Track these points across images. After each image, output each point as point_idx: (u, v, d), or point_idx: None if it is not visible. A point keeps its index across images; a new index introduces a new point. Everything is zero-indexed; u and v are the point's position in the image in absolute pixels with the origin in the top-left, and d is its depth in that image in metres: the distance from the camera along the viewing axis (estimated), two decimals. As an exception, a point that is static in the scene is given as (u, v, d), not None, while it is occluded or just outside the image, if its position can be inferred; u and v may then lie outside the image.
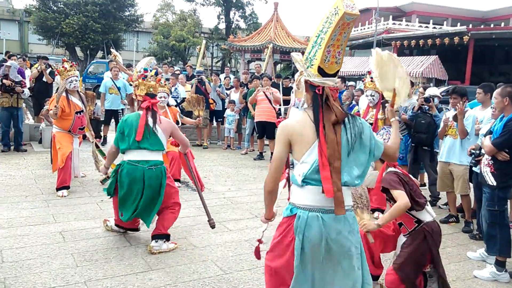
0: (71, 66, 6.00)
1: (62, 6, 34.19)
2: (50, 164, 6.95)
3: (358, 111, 5.95)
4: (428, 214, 3.23)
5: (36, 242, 4.16)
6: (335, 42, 2.30)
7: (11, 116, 8.12)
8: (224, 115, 10.38)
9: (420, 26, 36.18)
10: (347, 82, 12.30)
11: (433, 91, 6.57)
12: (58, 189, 5.75)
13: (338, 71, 2.42)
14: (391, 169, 3.37)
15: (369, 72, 5.61)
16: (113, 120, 9.63)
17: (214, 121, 10.81)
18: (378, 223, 3.02)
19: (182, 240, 4.45)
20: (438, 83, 23.46)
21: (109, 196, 4.27)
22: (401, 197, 3.00)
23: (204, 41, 17.78)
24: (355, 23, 2.34)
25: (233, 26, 39.15)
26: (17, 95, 8.09)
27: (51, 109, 5.82)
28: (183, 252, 4.15)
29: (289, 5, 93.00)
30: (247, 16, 39.34)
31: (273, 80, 10.04)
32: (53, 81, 9.74)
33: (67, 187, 5.81)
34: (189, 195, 6.10)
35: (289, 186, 2.92)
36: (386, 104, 3.39)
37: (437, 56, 25.00)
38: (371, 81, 5.43)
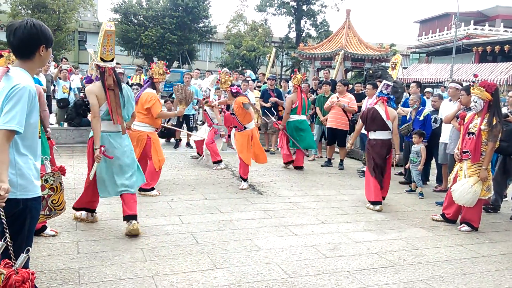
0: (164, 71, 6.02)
1: (142, 19, 36.32)
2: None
3: (461, 115, 5.60)
4: None
5: (110, 236, 4.36)
6: (106, 43, 4.35)
7: None
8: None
9: (506, 31, 33.74)
10: (426, 89, 11.79)
11: None
12: (151, 190, 5.97)
13: (113, 58, 4.44)
14: None
15: (475, 75, 5.32)
16: (184, 125, 10.01)
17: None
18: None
19: (247, 241, 4.43)
20: (526, 91, 21.66)
21: None
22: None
23: (274, 50, 17.92)
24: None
25: (303, 35, 39.09)
26: None
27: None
28: (248, 253, 4.12)
29: (362, 12, 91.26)
30: (318, 24, 39.05)
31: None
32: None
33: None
34: (255, 198, 6.09)
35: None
36: None
37: (524, 62, 23.14)
38: (473, 85, 5.12)
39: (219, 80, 7.22)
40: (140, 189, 5.78)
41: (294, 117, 8.12)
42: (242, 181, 6.63)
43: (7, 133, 2.18)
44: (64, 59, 13.34)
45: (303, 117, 8.25)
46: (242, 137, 6.62)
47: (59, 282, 3.34)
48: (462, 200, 5.10)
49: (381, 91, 6.26)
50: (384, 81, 6.46)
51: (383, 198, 6.08)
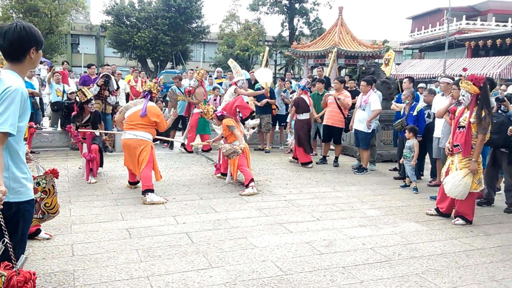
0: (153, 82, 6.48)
1: (134, 20, 36.15)
2: (122, 166, 7.31)
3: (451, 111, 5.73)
4: None
5: (104, 238, 4.35)
6: None
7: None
8: (288, 120, 10.31)
9: (497, 25, 33.91)
10: (419, 84, 11.84)
11: None
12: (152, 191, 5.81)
13: None
14: None
15: (464, 69, 5.36)
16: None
17: (277, 125, 10.79)
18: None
19: (242, 240, 4.43)
20: (518, 84, 21.79)
21: None
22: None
23: (267, 48, 17.89)
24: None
25: (296, 33, 39.04)
26: (105, 102, 8.90)
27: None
28: (243, 251, 4.13)
29: (354, 9, 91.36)
30: (311, 22, 38.98)
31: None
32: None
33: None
34: (250, 197, 6.10)
35: None
36: None
37: (516, 56, 23.27)
38: (460, 79, 5.18)
39: (202, 112, 7.40)
40: (144, 192, 5.69)
41: None
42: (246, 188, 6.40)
43: (1, 136, 2.17)
44: (65, 62, 13.35)
45: None
46: None
47: (54, 285, 3.33)
48: (453, 192, 5.14)
49: (304, 85, 8.71)
50: (304, 78, 9.35)
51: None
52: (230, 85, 9.22)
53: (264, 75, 9.12)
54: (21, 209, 2.36)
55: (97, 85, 8.80)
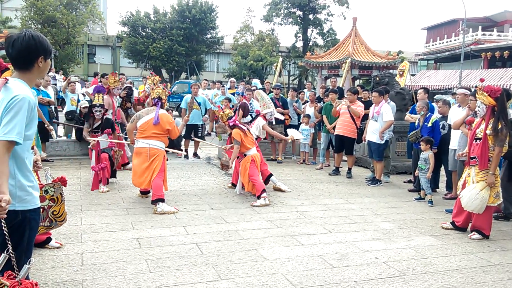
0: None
1: (150, 31, 36.67)
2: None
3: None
4: None
5: (114, 247, 4.33)
6: None
7: None
8: (299, 130, 10.26)
9: (514, 36, 33.53)
10: (435, 96, 11.69)
11: None
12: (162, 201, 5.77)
13: None
14: None
15: (481, 80, 5.26)
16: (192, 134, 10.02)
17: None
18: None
19: (253, 252, 4.37)
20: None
21: None
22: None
23: (280, 59, 17.94)
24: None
25: (310, 44, 39.16)
26: (126, 113, 9.14)
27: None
28: (253, 263, 4.06)
29: (368, 20, 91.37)
30: (325, 33, 39.10)
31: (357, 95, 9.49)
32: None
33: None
34: (261, 208, 6.04)
35: None
36: None
37: (534, 67, 22.89)
38: (475, 91, 5.11)
39: (218, 115, 7.23)
40: (155, 201, 5.66)
41: None
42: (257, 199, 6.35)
43: (7, 144, 2.18)
44: (97, 74, 13.55)
45: None
46: (242, 163, 6.70)
47: (62, 294, 3.31)
48: (470, 206, 5.01)
49: (242, 92, 9.92)
50: (240, 85, 10.88)
51: None
52: (257, 116, 8.79)
53: (296, 132, 8.72)
54: (27, 217, 2.36)
55: (120, 97, 8.88)
